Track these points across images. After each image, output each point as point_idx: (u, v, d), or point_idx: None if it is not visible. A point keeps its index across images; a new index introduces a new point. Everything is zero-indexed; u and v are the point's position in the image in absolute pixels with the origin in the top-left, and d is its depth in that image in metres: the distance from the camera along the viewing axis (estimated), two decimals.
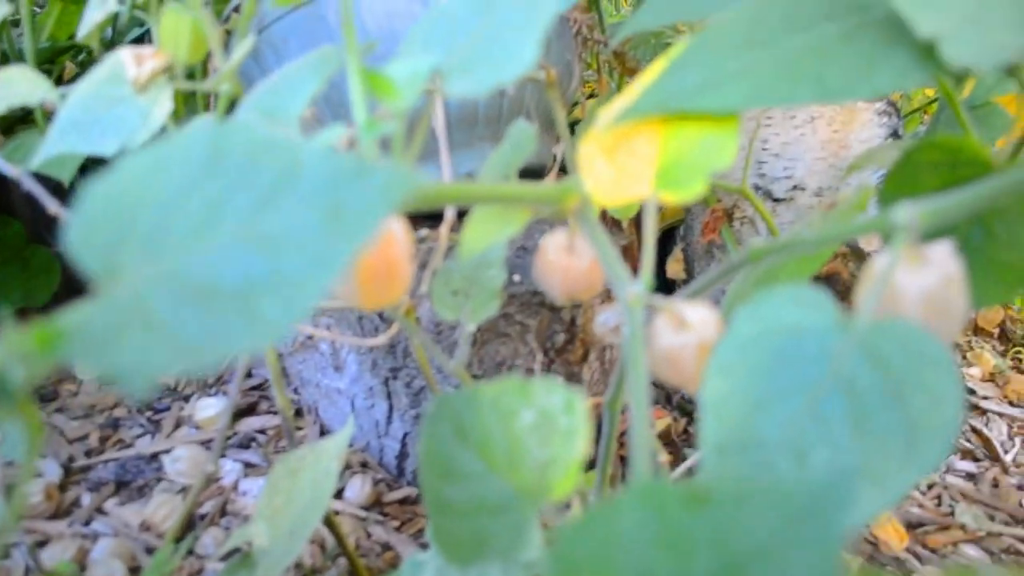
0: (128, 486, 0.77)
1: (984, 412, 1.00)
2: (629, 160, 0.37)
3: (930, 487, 0.86)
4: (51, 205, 0.48)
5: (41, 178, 0.78)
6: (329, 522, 0.62)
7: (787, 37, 0.37)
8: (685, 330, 0.36)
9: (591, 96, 0.97)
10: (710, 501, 0.19)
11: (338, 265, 0.20)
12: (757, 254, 0.38)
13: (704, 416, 0.31)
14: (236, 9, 0.68)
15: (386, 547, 0.73)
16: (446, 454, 0.31)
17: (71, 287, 0.98)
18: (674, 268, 0.95)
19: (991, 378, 1.07)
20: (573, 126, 0.83)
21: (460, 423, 0.31)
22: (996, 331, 1.16)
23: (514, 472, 0.29)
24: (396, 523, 0.76)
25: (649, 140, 0.37)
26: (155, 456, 0.80)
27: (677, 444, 0.86)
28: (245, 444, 0.83)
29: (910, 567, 0.74)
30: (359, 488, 0.77)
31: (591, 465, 0.79)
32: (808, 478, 0.18)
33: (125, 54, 0.46)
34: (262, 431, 0.84)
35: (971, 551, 0.77)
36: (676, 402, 0.96)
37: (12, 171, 0.47)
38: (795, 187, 0.88)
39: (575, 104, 0.90)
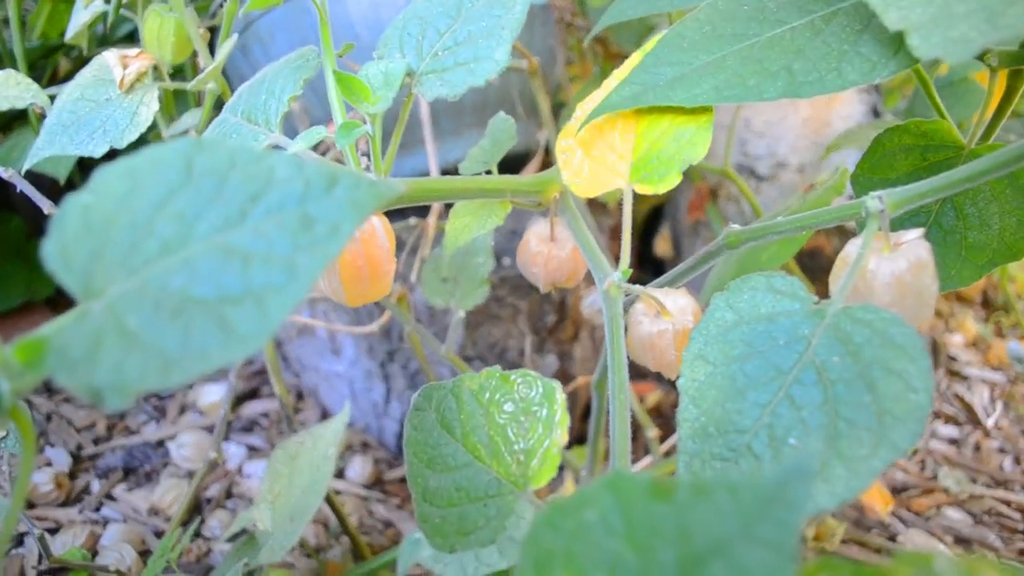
0: (136, 472, 0.79)
1: (966, 378, 1.01)
2: (606, 153, 0.37)
3: (914, 453, 0.87)
4: (45, 205, 0.49)
5: (38, 175, 0.79)
6: (331, 502, 0.63)
7: (757, 30, 0.37)
8: (663, 317, 0.37)
9: (574, 79, 0.96)
10: (673, 495, 0.20)
11: (309, 278, 0.20)
12: (733, 241, 0.39)
13: (682, 402, 0.32)
14: (223, 5, 0.68)
15: (388, 524, 0.75)
16: (431, 444, 0.32)
17: None
18: (662, 246, 0.96)
19: (974, 344, 1.08)
20: (560, 108, 0.83)
21: (444, 414, 0.32)
22: (979, 298, 1.17)
23: (496, 461, 0.30)
24: (397, 500, 0.77)
25: (625, 133, 0.37)
26: (161, 442, 0.82)
27: (669, 417, 0.87)
28: (248, 428, 0.85)
29: (894, 530, 0.76)
30: (360, 468, 0.78)
31: (582, 439, 0.80)
32: (766, 474, 0.18)
33: (110, 56, 0.47)
34: (265, 415, 0.86)
35: (954, 513, 0.78)
36: None
37: (4, 174, 0.48)
38: (778, 164, 0.88)
39: (559, 88, 0.90)
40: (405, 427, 0.32)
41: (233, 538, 0.69)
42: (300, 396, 0.89)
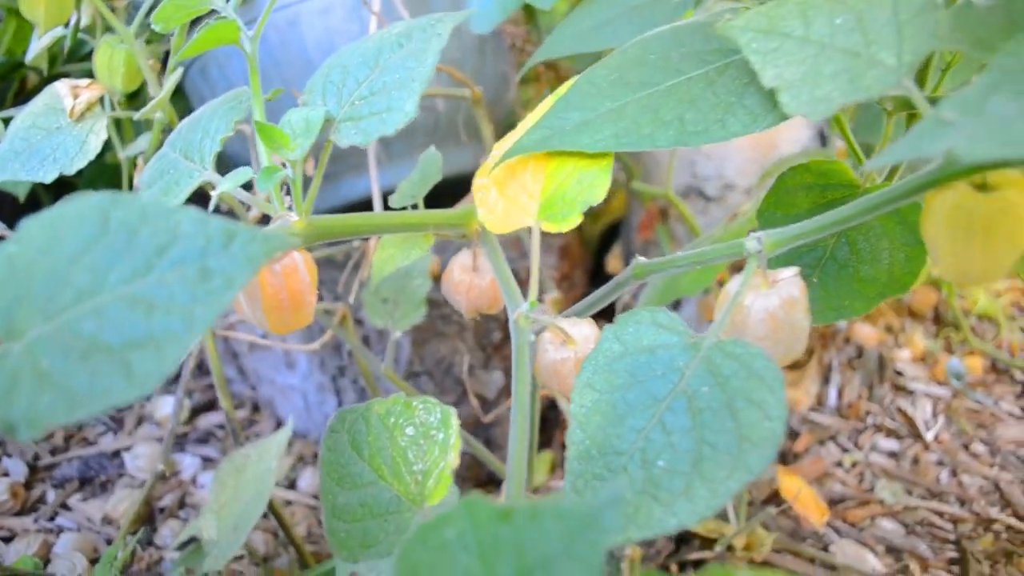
0: (91, 482, 0.81)
1: (911, 393, 1.05)
2: (518, 193, 0.40)
3: (853, 465, 0.91)
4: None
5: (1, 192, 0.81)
6: (276, 512, 0.66)
7: (660, 79, 0.41)
8: (567, 346, 0.40)
9: (528, 102, 1.00)
10: (513, 516, 0.23)
11: (204, 325, 0.23)
12: (640, 272, 0.42)
13: (570, 426, 0.35)
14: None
15: None
16: (342, 463, 0.35)
17: None
18: (613, 264, 0.99)
19: (922, 359, 1.12)
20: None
21: (355, 436, 0.35)
22: (931, 313, 1.21)
23: (397, 480, 0.33)
24: None
25: (535, 174, 0.40)
26: (117, 453, 0.84)
27: None
28: (204, 439, 0.87)
29: (828, 540, 0.79)
30: (311, 479, 0.81)
31: (546, 445, 0.83)
32: (587, 502, 0.22)
33: (61, 87, 0.49)
34: (220, 426, 0.88)
35: (888, 524, 0.82)
36: None
37: None
38: (726, 186, 0.92)
39: (511, 112, 0.93)
40: (321, 447, 0.35)
41: (182, 547, 0.71)
42: (256, 408, 0.91)
